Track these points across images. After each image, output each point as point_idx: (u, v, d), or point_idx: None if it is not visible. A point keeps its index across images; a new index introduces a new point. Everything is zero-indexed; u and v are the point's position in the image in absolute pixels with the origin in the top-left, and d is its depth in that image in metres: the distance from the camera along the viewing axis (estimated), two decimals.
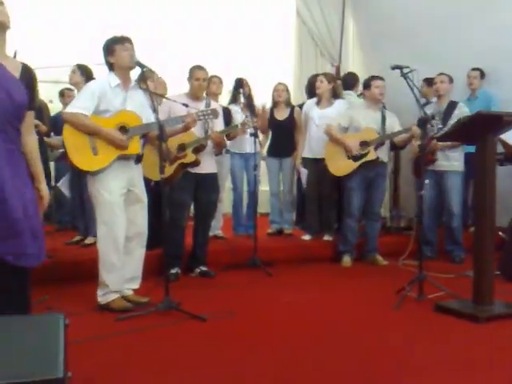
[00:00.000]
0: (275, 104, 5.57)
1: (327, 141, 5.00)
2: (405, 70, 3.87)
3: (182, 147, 4.21)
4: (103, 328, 3.17)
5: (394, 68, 3.88)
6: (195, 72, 4.37)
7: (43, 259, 2.37)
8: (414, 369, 2.64)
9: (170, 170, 4.15)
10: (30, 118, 2.44)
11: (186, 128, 3.96)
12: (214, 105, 4.43)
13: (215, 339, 3.05)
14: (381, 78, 4.89)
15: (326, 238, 5.35)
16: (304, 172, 5.38)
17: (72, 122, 3.44)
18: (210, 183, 4.45)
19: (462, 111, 4.84)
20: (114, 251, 3.51)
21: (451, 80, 5.03)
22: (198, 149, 4.28)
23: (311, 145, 5.30)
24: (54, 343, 1.66)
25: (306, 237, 5.41)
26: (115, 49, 3.50)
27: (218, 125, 4.42)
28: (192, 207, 4.68)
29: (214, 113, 4.00)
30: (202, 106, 4.28)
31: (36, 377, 1.53)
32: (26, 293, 2.38)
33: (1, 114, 2.21)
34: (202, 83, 4.36)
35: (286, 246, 5.28)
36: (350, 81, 5.86)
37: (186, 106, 3.91)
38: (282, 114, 5.55)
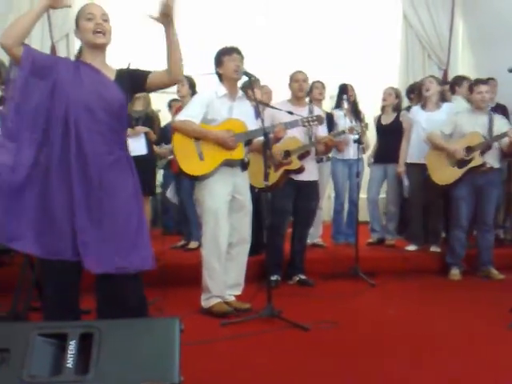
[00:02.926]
0: (382, 109, 5.46)
1: (429, 149, 4.79)
2: None
3: (287, 154, 4.20)
4: (207, 332, 3.22)
5: (511, 70, 3.64)
6: (294, 75, 4.39)
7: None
8: None
9: (274, 176, 4.16)
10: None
11: (275, 139, 3.86)
12: (316, 111, 4.39)
13: (318, 349, 2.99)
14: (484, 83, 4.58)
15: (433, 248, 5.10)
16: (405, 181, 5.20)
17: (181, 129, 3.55)
18: (310, 190, 4.41)
19: None
20: (216, 257, 3.57)
21: None
22: (303, 155, 4.26)
23: (417, 150, 5.07)
24: (170, 347, 1.69)
25: (411, 247, 5.20)
26: (223, 60, 3.59)
27: (321, 131, 4.37)
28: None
29: (319, 119, 3.97)
30: (304, 112, 4.24)
31: (153, 381, 1.56)
32: None
33: (96, 115, 2.34)
34: (301, 83, 4.34)
35: (388, 256, 5.10)
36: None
37: (291, 113, 3.90)
38: (387, 119, 5.41)
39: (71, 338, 1.67)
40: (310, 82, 5.26)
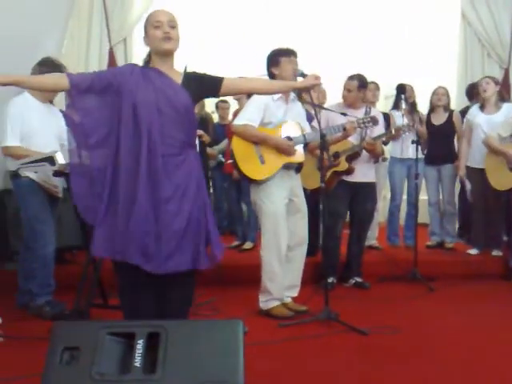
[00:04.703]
0: (433, 108, 5.30)
1: (487, 152, 4.63)
2: None
3: (336, 155, 4.15)
4: (265, 333, 3.21)
5: None
6: (345, 82, 4.34)
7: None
8: None
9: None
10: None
11: (346, 136, 3.89)
12: (373, 112, 4.31)
13: (377, 355, 2.92)
14: None
15: (495, 253, 4.93)
16: (468, 185, 5.04)
17: (242, 133, 3.55)
18: (366, 192, 4.34)
19: None
20: (276, 260, 3.55)
21: None
22: (353, 156, 4.19)
23: (477, 153, 4.89)
24: (235, 349, 1.68)
25: (472, 251, 5.03)
26: (280, 61, 3.56)
27: (377, 132, 4.29)
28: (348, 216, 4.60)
29: (374, 120, 3.90)
30: (361, 113, 4.18)
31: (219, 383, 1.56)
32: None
33: (166, 117, 2.39)
34: (345, 93, 4.29)
35: (448, 259, 4.94)
36: None
37: (345, 114, 3.85)
38: (439, 119, 5.24)
39: (139, 337, 1.69)
40: None
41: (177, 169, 2.40)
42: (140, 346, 1.66)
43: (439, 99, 5.22)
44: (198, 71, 2.61)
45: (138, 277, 2.34)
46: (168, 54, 2.49)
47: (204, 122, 5.06)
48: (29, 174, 3.40)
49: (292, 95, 3.70)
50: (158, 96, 2.39)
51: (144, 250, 2.32)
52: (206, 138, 5.04)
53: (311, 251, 4.07)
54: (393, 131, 4.36)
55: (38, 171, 3.33)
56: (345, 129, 3.79)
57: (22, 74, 2.75)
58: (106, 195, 2.35)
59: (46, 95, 3.54)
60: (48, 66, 3.45)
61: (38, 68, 3.49)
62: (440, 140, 5.17)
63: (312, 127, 4.00)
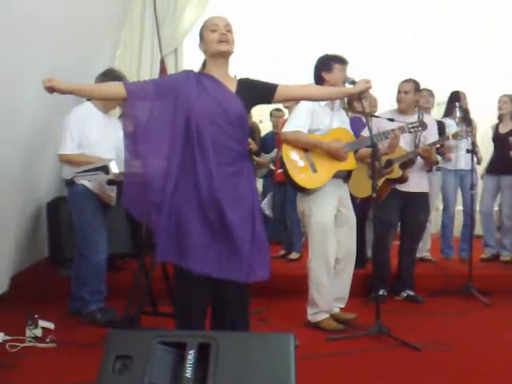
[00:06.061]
0: (501, 117, 5.18)
1: None
2: None
3: (389, 162, 4.06)
4: (313, 346, 3.14)
5: None
6: (399, 84, 4.24)
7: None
8: None
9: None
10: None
11: (391, 146, 3.81)
12: (426, 119, 4.20)
13: (430, 372, 2.82)
14: None
15: None
16: None
17: (293, 140, 3.49)
18: (418, 202, 4.21)
19: None
20: (325, 273, 3.49)
21: None
22: (406, 164, 4.09)
23: None
24: (286, 363, 1.65)
25: None
26: (334, 67, 3.51)
27: (431, 139, 4.18)
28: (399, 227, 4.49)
29: (422, 124, 3.81)
30: (413, 120, 4.07)
31: None
32: None
33: (219, 126, 2.38)
34: (402, 95, 4.18)
35: (504, 273, 4.75)
36: None
37: (392, 120, 3.79)
38: (505, 128, 5.10)
39: (190, 348, 1.68)
40: None
41: (230, 178, 2.40)
42: (191, 356, 1.65)
43: (500, 107, 5.12)
44: (250, 78, 2.60)
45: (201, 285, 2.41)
46: (224, 56, 2.49)
47: (250, 131, 5.06)
48: (83, 181, 3.47)
49: (338, 103, 3.64)
50: (212, 105, 2.39)
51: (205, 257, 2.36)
52: (254, 147, 5.04)
53: (359, 263, 3.99)
54: (450, 137, 4.24)
55: (92, 180, 3.40)
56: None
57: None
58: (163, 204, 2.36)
59: (108, 105, 3.59)
60: (111, 77, 3.48)
61: (101, 78, 3.56)
62: (504, 149, 5.01)
63: (362, 136, 3.94)
